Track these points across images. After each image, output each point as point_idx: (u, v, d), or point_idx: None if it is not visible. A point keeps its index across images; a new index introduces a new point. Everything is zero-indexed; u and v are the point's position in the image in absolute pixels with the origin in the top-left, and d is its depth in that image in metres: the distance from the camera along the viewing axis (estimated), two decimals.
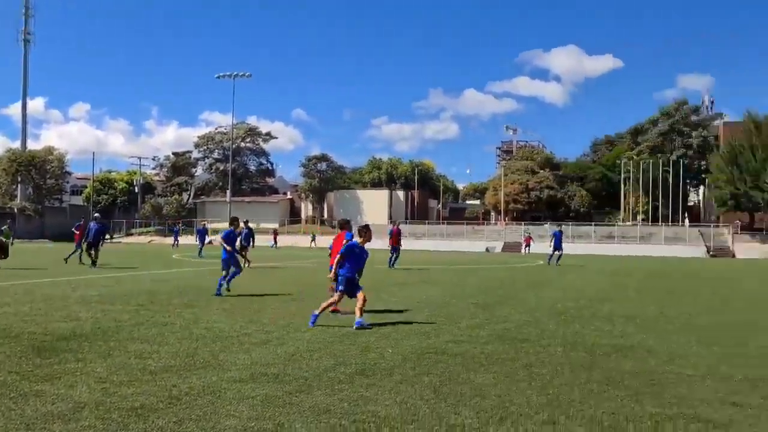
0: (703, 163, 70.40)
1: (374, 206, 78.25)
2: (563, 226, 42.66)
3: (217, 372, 5.59)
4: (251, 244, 21.64)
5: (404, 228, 46.15)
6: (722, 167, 55.35)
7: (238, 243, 21.56)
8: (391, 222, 53.43)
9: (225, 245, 12.15)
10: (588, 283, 17.38)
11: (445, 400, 4.80)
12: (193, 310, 9.73)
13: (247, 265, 20.73)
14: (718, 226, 58.97)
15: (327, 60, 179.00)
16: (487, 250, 56.95)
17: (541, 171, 77.51)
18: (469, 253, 48.93)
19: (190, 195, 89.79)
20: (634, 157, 70.12)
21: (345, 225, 10.19)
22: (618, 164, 71.60)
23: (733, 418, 4.43)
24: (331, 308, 8.69)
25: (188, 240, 51.92)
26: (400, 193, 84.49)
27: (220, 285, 11.95)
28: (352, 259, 8.46)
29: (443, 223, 71.56)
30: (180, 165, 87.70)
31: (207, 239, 33.53)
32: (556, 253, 28.13)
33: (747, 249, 51.94)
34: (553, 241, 28.96)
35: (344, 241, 9.01)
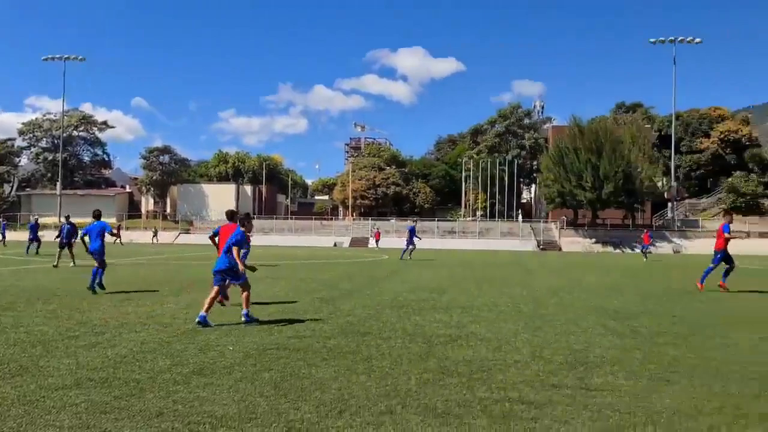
0: (534, 163, 75.79)
1: (220, 201, 76.02)
2: (410, 221, 44.01)
3: (36, 379, 5.15)
4: (74, 240, 20.08)
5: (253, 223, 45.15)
6: (550, 167, 59.80)
7: (59, 239, 20.51)
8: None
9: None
10: (430, 277, 18.07)
11: (285, 396, 4.77)
12: (12, 314, 8.89)
13: (71, 264, 19.32)
14: (547, 222, 63.83)
15: (171, 49, 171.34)
16: (335, 245, 57.44)
17: (388, 168, 79.50)
18: (318, 248, 49.06)
19: (12, 187, 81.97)
20: (474, 156, 74.03)
21: (233, 216, 10.40)
22: (459, 162, 75.20)
23: (552, 399, 4.80)
24: (218, 299, 8.67)
25: (17, 236, 47.26)
26: (248, 188, 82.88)
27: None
28: (246, 248, 8.71)
29: (292, 219, 71.14)
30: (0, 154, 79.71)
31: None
32: (409, 247, 29.04)
33: (571, 243, 56.75)
34: (407, 236, 29.76)
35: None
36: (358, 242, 58.27)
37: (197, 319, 7.88)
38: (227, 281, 8.47)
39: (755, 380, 5.46)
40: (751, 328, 8.51)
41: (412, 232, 29.60)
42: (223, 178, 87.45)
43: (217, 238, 10.76)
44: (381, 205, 75.74)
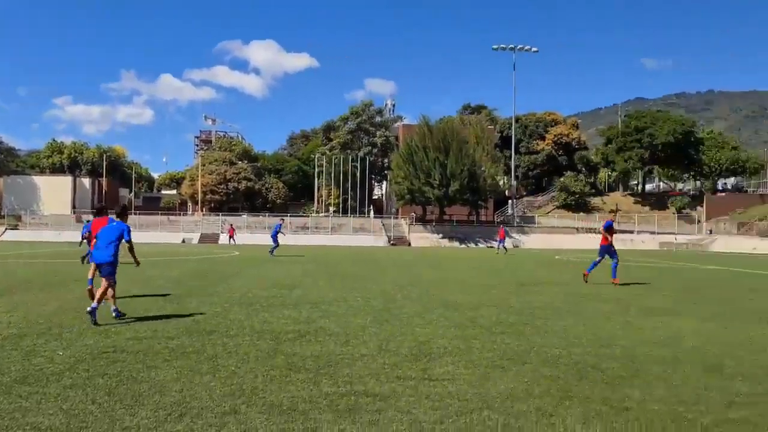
0: (386, 160, 77.52)
1: (55, 194, 70.53)
2: (279, 219, 43.26)
3: None
4: None
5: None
6: (401, 165, 61.45)
7: None
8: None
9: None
10: (282, 273, 17.89)
11: (120, 402, 4.50)
12: None
13: None
14: (397, 218, 65.59)
15: None
16: (183, 241, 55.25)
17: (240, 162, 77.78)
18: (165, 244, 46.91)
19: None
20: (327, 152, 74.37)
21: (102, 211, 9.98)
22: (312, 158, 75.22)
23: (396, 390, 4.93)
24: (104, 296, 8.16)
25: None
26: (86, 181, 77.42)
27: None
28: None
29: (137, 214, 67.43)
30: None
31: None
32: (273, 244, 28.87)
33: (420, 238, 58.76)
34: (272, 232, 29.65)
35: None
36: (209, 238, 56.50)
37: (88, 309, 7.81)
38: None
39: (578, 364, 5.94)
40: (576, 318, 9.25)
41: (276, 229, 29.57)
42: (57, 170, 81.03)
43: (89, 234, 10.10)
44: (232, 201, 73.87)
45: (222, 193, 72.82)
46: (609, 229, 15.67)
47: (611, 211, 16.47)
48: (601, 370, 5.68)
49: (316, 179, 73.22)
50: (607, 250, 15.54)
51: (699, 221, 65.60)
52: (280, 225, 30.97)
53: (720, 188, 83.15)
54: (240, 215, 64.39)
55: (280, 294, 11.82)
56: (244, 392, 4.81)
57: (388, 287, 13.68)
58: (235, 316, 8.70)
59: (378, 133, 76.23)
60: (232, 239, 49.91)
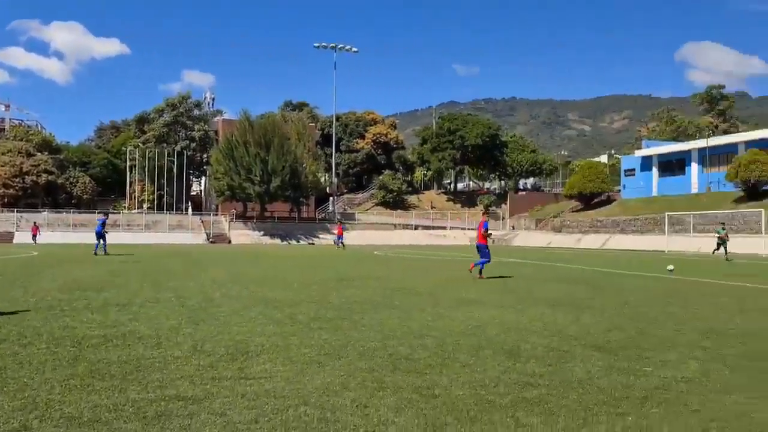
0: (205, 155, 74.90)
1: None
2: (65, 213, 39.81)
3: None
4: None
5: None
6: (220, 160, 59.80)
7: None
8: None
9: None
10: (88, 272, 16.57)
11: None
12: None
13: None
14: (217, 215, 63.70)
15: None
16: None
17: (39, 154, 70.74)
18: None
19: None
20: (141, 145, 70.25)
21: None
22: (124, 151, 70.63)
23: (211, 392, 4.77)
24: None
25: None
26: None
27: None
28: None
29: None
30: None
31: None
32: (101, 242, 27.19)
33: (240, 235, 57.60)
34: (96, 228, 28.07)
35: None
36: (2, 237, 50.86)
37: None
38: None
39: (393, 356, 6.16)
40: (391, 311, 9.61)
41: (101, 224, 27.99)
42: None
43: None
44: (30, 196, 67.04)
45: (18, 188, 65.83)
46: (485, 230, 16.72)
47: (484, 213, 17.50)
48: (413, 360, 5.94)
49: (128, 174, 68.84)
50: (484, 248, 16.45)
51: (503, 218, 71.13)
52: (104, 220, 28.76)
53: (521, 188, 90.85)
54: (40, 212, 58.72)
55: (84, 296, 10.93)
56: (37, 405, 4.38)
57: (206, 286, 13.23)
58: (30, 323, 7.90)
59: (196, 127, 73.41)
60: (34, 238, 45.50)
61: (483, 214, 17.80)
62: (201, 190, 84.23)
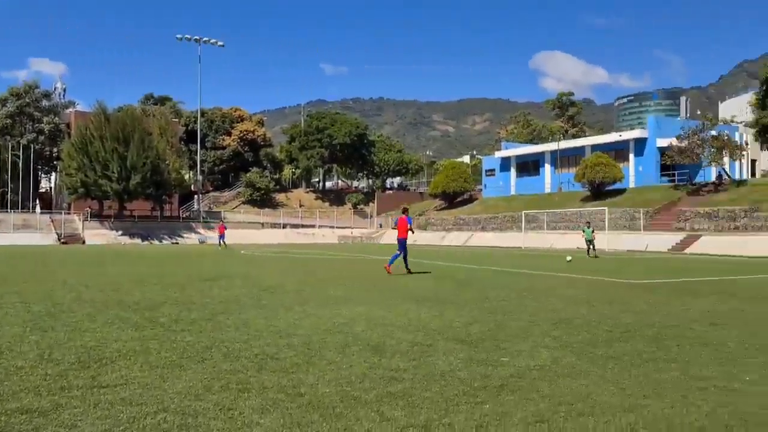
0: (55, 149, 69.78)
1: None
2: None
3: None
4: None
5: None
6: (73, 155, 55.98)
7: None
8: None
9: None
10: None
11: None
12: None
13: None
14: (69, 214, 59.53)
15: None
16: None
17: None
18: None
19: None
20: None
21: None
22: None
23: (60, 403, 4.44)
24: None
25: None
26: None
27: None
28: None
29: None
30: None
31: None
32: None
33: (96, 235, 54.19)
34: None
35: None
36: None
37: None
38: None
39: (258, 356, 6.05)
40: (258, 311, 9.45)
41: None
42: None
43: None
44: None
45: None
46: (409, 224, 17.95)
47: (404, 210, 18.29)
48: (280, 360, 5.87)
49: None
50: (403, 243, 17.67)
51: (371, 216, 72.24)
52: None
53: (388, 186, 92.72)
54: None
55: None
56: None
57: (56, 289, 12.33)
58: None
59: (45, 119, 68.21)
60: None
61: (403, 211, 19.04)
62: (51, 187, 78.35)
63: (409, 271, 17.33)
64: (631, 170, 56.34)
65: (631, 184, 54.59)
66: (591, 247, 31.51)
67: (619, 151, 58.26)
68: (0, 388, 4.83)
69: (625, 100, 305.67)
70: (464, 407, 4.40)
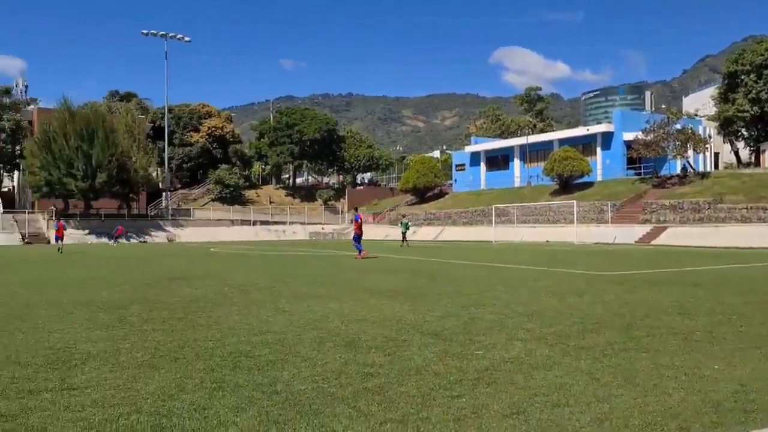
0: (17, 147, 68.14)
1: None
2: None
3: None
4: None
5: None
6: (36, 153, 54.79)
7: None
8: None
9: None
10: None
11: None
12: None
13: None
14: (33, 213, 58.25)
15: None
16: None
17: None
18: None
19: None
20: None
21: None
22: None
23: (28, 406, 4.34)
24: None
25: None
26: None
27: None
28: None
29: None
30: None
31: None
32: None
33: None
34: None
35: None
36: None
37: None
38: None
39: (232, 354, 5.99)
40: (230, 308, 9.37)
41: None
42: None
43: None
44: None
45: None
46: (359, 221, 23.39)
47: (355, 208, 23.80)
48: (254, 358, 5.82)
49: None
50: (358, 237, 22.85)
51: (342, 212, 72.07)
52: None
53: (359, 182, 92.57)
54: None
55: None
56: None
57: (19, 290, 12.06)
58: None
59: (6, 116, 66.47)
60: None
61: (355, 209, 25.00)
62: (14, 186, 76.57)
63: (359, 258, 21.65)
64: (599, 164, 57.12)
65: (599, 178, 55.35)
66: (404, 238, 37.08)
67: (586, 145, 59.03)
68: None
69: (591, 94, 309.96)
70: (441, 401, 4.41)
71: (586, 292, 11.01)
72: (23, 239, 51.59)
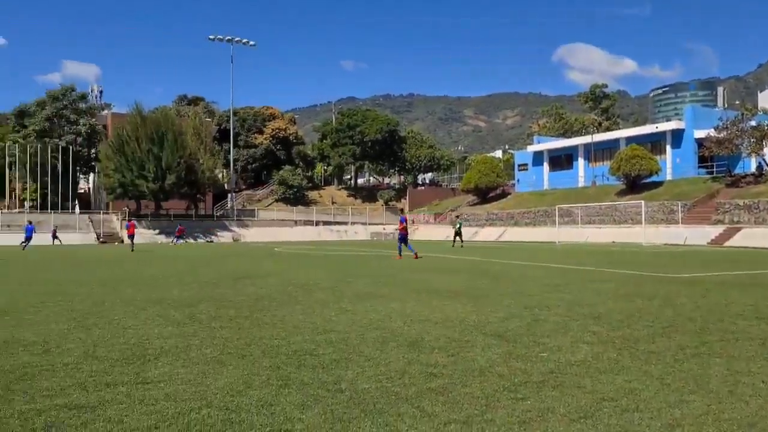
0: (93, 151, 71.19)
1: None
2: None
3: None
4: None
5: None
6: (110, 156, 57.09)
7: None
8: None
9: None
10: None
11: None
12: None
13: None
14: (108, 213, 60.72)
15: None
16: None
17: None
18: None
19: None
20: (21, 140, 65.76)
21: None
22: (2, 147, 65.89)
23: (105, 398, 4.53)
24: None
25: None
26: None
27: None
28: None
29: None
30: None
31: None
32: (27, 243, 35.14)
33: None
34: (26, 232, 37.39)
35: None
36: None
37: None
38: None
39: (297, 352, 6.09)
40: (294, 307, 9.52)
41: (31, 229, 37.10)
42: None
43: None
44: None
45: None
46: (405, 222, 23.96)
47: (401, 210, 25.28)
48: (318, 356, 5.90)
49: (7, 171, 64.26)
50: (404, 237, 23.43)
51: (403, 212, 72.13)
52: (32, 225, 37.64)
53: (420, 182, 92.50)
54: None
55: None
56: None
57: (97, 288, 12.59)
58: None
59: (82, 121, 69.53)
60: None
61: (401, 210, 26.16)
62: (89, 188, 79.98)
63: (399, 258, 22.39)
64: (668, 162, 55.31)
65: (668, 177, 53.58)
66: (459, 239, 37.51)
67: (655, 143, 57.26)
68: (48, 383, 4.95)
69: (660, 91, 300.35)
70: (505, 403, 4.37)
71: (656, 295, 10.68)
72: (98, 239, 53.82)
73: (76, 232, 54.79)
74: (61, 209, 61.91)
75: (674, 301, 9.80)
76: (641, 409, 4.22)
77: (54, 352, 6.16)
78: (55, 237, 49.66)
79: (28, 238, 37.09)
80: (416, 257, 22.28)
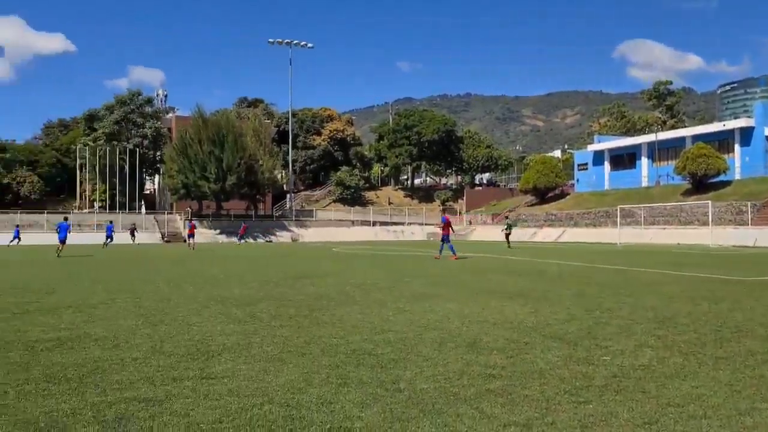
0: (158, 153, 73.46)
1: None
2: (11, 213, 38.87)
3: None
4: None
5: None
6: (174, 158, 58.72)
7: None
8: None
9: None
10: (35, 274, 16.11)
11: None
12: None
13: None
14: (172, 214, 62.55)
15: None
16: None
17: None
18: None
19: None
20: (91, 143, 68.45)
21: None
22: (73, 150, 68.77)
23: (172, 393, 4.68)
24: None
25: None
26: None
27: None
28: None
29: None
30: None
31: None
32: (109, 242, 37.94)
33: (196, 234, 56.46)
34: (106, 232, 40.88)
35: None
36: None
37: None
38: None
39: (356, 351, 6.14)
40: (352, 307, 9.60)
41: (110, 228, 40.66)
42: None
43: None
44: None
45: None
46: (447, 223, 23.90)
47: (443, 211, 25.11)
48: (376, 356, 5.94)
49: (78, 172, 67.00)
50: (446, 238, 23.55)
51: (460, 213, 71.72)
52: (112, 225, 41.20)
53: (477, 183, 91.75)
54: None
55: (35, 299, 10.63)
56: None
57: (162, 286, 12.99)
58: None
59: (148, 124, 71.84)
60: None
61: (442, 211, 25.45)
62: (155, 189, 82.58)
63: (437, 258, 22.78)
64: (737, 161, 53.23)
65: (737, 176, 51.55)
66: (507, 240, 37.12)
67: (722, 141, 55.21)
68: (118, 377, 5.15)
69: (728, 87, 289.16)
70: (566, 406, 4.30)
71: (724, 298, 10.30)
72: (163, 238, 55.51)
73: (143, 232, 56.59)
74: (128, 210, 64.14)
75: (743, 305, 9.43)
76: (709, 416, 4.08)
77: (123, 347, 6.41)
78: (132, 235, 51.80)
79: (109, 237, 40.85)
80: (455, 258, 22.30)
